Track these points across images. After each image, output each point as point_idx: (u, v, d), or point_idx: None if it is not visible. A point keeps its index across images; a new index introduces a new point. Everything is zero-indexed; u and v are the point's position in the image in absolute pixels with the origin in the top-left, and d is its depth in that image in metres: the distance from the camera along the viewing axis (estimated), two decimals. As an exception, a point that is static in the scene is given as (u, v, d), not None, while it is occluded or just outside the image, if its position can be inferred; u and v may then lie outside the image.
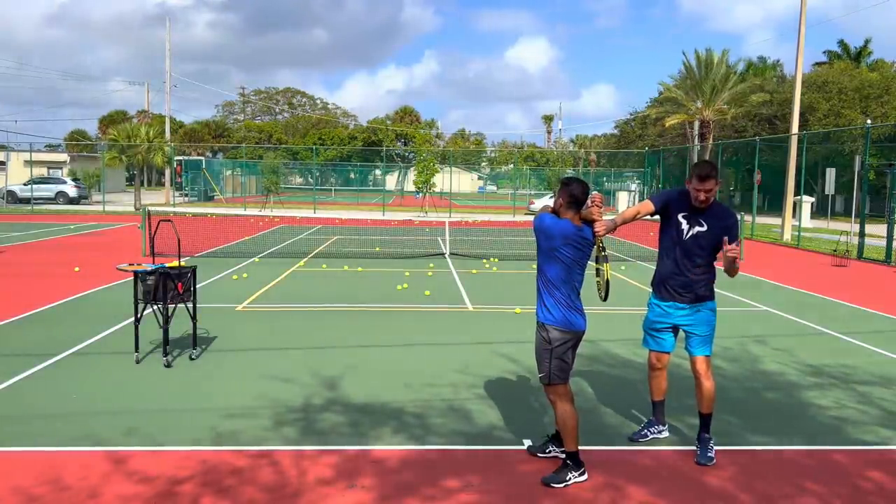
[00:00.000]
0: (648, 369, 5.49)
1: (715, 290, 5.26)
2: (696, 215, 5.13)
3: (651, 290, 5.49)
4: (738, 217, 5.46)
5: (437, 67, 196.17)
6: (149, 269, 7.14)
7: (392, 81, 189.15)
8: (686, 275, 5.15)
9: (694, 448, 5.17)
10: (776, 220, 29.07)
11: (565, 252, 4.62)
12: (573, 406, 4.75)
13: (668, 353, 5.39)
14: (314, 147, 60.21)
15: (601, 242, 4.96)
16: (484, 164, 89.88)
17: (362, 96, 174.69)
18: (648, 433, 5.49)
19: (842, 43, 53.06)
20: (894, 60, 49.88)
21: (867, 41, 52.38)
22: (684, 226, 5.14)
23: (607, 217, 4.96)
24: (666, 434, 5.52)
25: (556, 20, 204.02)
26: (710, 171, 5.01)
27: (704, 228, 5.08)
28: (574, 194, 4.69)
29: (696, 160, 35.42)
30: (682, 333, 5.29)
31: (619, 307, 10.81)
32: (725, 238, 4.93)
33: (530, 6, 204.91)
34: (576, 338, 4.74)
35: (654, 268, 5.41)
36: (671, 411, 5.78)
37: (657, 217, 5.34)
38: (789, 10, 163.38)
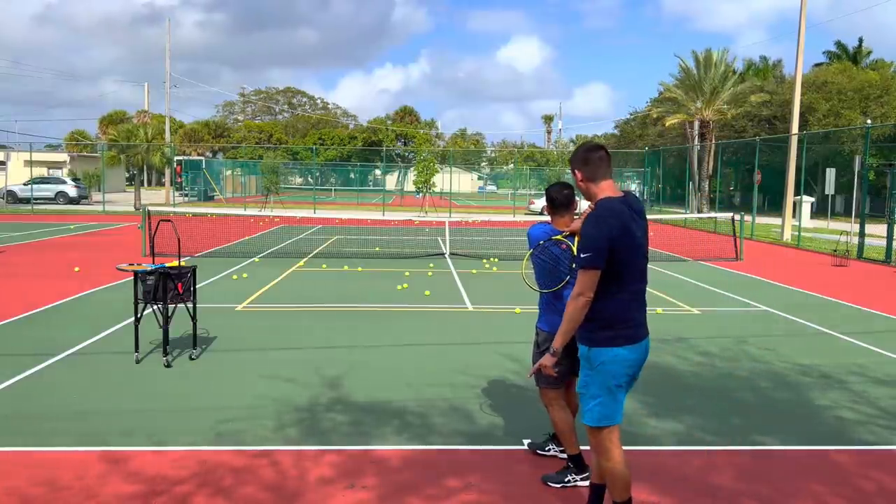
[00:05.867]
0: None
1: (595, 333, 3.74)
2: None
3: None
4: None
5: (432, 67, 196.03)
6: (149, 269, 7.14)
7: (387, 81, 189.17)
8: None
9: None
10: (776, 220, 29.07)
11: (543, 257, 4.63)
12: (565, 411, 4.67)
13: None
14: (314, 147, 60.25)
15: (568, 241, 4.42)
16: (484, 164, 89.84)
17: (357, 96, 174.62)
18: None
19: (839, 44, 53.08)
20: (893, 60, 49.87)
21: (861, 40, 52.39)
22: None
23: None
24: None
25: (550, 20, 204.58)
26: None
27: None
28: (550, 196, 4.72)
29: (696, 160, 35.55)
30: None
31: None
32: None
33: (524, 6, 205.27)
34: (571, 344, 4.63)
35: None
36: (671, 411, 5.76)
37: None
38: (781, 11, 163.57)
